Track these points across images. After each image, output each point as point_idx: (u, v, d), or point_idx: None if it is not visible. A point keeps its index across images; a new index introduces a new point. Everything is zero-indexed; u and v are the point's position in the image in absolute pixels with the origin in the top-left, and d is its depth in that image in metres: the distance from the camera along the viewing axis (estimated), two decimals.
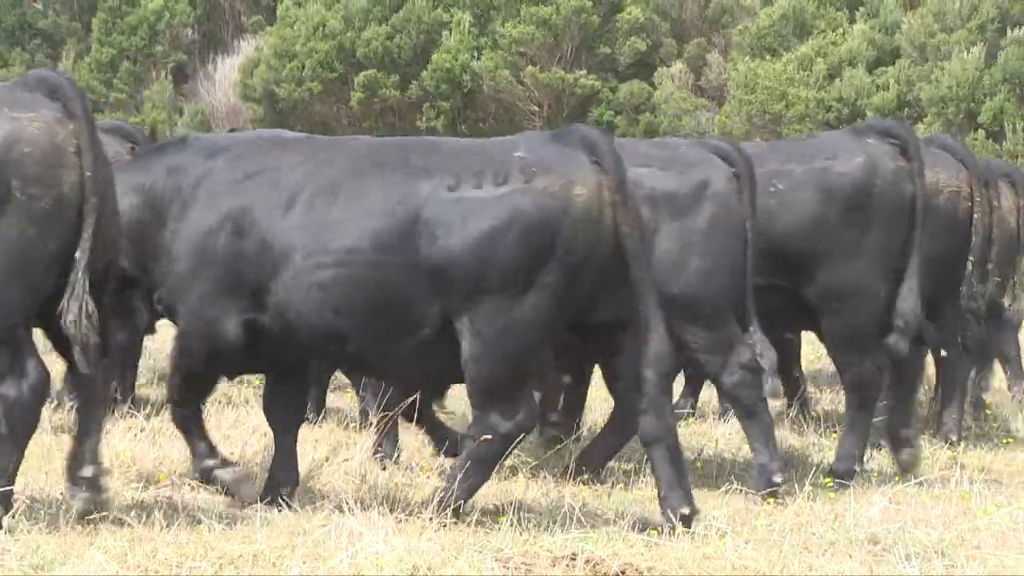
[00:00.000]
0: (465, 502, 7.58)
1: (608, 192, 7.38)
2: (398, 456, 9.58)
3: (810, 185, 9.33)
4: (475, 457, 7.53)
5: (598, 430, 9.77)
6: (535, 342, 7.46)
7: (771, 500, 8.34)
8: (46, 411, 10.15)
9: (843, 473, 9.16)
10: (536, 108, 35.38)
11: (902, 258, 9.29)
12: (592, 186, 7.37)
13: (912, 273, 9.27)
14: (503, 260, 7.30)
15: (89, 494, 7.33)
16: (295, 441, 8.28)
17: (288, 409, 8.29)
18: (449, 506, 7.47)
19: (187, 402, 8.15)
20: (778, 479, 8.68)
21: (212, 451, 8.18)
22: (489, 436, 7.46)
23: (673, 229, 8.74)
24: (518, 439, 7.56)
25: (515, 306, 7.30)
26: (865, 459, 9.83)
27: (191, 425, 8.18)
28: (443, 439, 9.62)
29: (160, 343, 12.42)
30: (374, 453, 9.37)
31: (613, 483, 8.69)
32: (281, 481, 8.10)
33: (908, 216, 9.31)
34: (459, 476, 7.55)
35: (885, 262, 9.28)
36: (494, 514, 7.69)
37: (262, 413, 8.44)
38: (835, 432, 10.63)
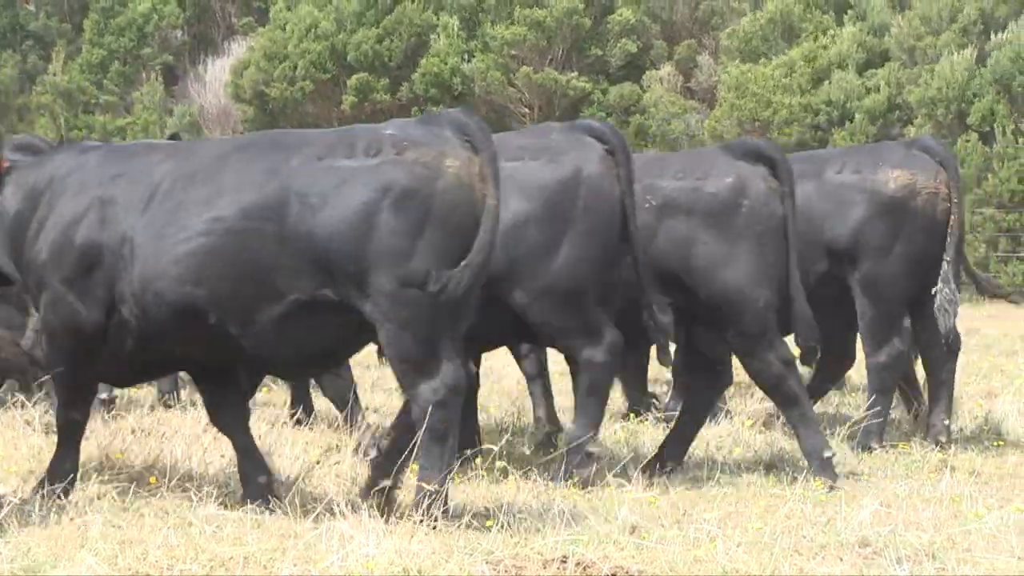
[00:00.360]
0: (444, 483, 7.51)
1: (478, 167, 7.49)
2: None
3: (680, 203, 9.45)
4: (430, 436, 7.48)
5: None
6: (432, 307, 7.39)
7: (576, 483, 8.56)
8: (37, 412, 10.22)
9: (821, 469, 9.19)
10: (527, 110, 35.41)
11: (781, 269, 9.47)
12: (463, 159, 7.49)
13: (796, 289, 9.47)
14: (379, 229, 7.36)
15: None
16: (251, 438, 8.33)
17: (230, 410, 8.35)
18: (436, 501, 7.46)
19: (72, 402, 8.18)
20: (594, 449, 8.88)
21: (74, 466, 8.21)
22: (428, 409, 7.43)
23: (546, 219, 8.84)
24: (457, 399, 7.49)
25: (400, 274, 7.33)
26: (857, 462, 9.88)
27: (70, 432, 8.20)
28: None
29: None
30: (364, 455, 9.37)
31: (603, 485, 8.69)
32: (254, 475, 8.15)
33: (781, 234, 9.46)
34: (426, 464, 7.53)
35: (762, 272, 9.39)
36: (484, 516, 7.69)
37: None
38: (826, 435, 10.63)
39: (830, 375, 12.39)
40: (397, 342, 7.43)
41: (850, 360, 12.37)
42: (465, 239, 7.39)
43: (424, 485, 7.49)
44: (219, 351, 7.92)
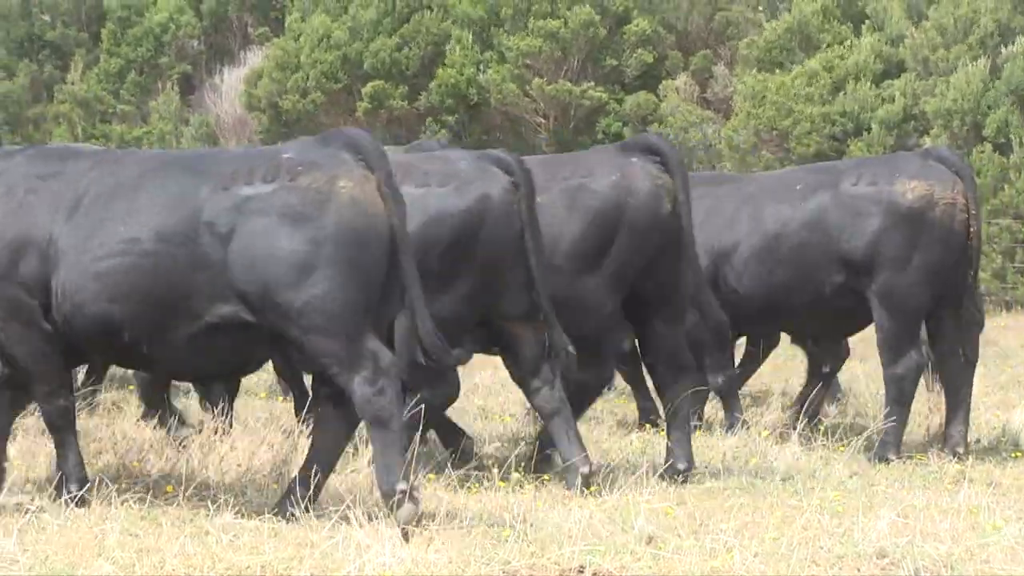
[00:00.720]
0: (408, 474, 7.65)
1: (373, 186, 7.83)
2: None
3: (564, 204, 9.58)
4: (376, 427, 7.69)
5: None
6: (349, 311, 7.70)
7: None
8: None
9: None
10: (542, 120, 35.41)
11: (663, 270, 9.66)
12: (357, 179, 7.82)
13: (699, 286, 9.86)
14: (274, 250, 7.70)
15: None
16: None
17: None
18: (398, 490, 7.57)
19: (50, 396, 8.33)
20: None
21: (79, 459, 8.38)
22: (369, 401, 7.65)
23: (451, 245, 9.01)
24: (394, 384, 7.70)
25: (305, 292, 7.65)
26: (874, 473, 9.86)
27: (62, 422, 8.37)
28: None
29: None
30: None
31: (620, 495, 8.68)
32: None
33: (666, 231, 9.61)
34: (377, 456, 7.73)
35: (619, 276, 9.56)
36: (501, 526, 7.69)
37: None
38: (842, 445, 10.62)
39: (821, 376, 12.39)
40: (320, 349, 7.74)
41: (840, 361, 12.44)
42: (365, 253, 7.74)
43: (383, 480, 7.66)
44: (133, 362, 8.56)
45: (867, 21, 34.10)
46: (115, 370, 12.57)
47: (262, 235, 7.71)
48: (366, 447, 9.98)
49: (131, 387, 12.51)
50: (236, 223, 7.75)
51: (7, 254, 8.11)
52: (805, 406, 11.90)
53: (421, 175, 9.10)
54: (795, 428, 11.01)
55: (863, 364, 13.98)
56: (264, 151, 8.36)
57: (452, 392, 9.53)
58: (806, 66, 32.73)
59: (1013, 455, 10.90)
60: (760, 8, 36.58)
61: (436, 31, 36.21)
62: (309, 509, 7.84)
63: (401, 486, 7.56)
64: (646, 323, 9.85)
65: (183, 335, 7.88)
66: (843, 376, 13.58)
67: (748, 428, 11.30)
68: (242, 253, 7.72)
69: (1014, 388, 15.24)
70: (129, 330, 7.92)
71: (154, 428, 10.58)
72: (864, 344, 12.78)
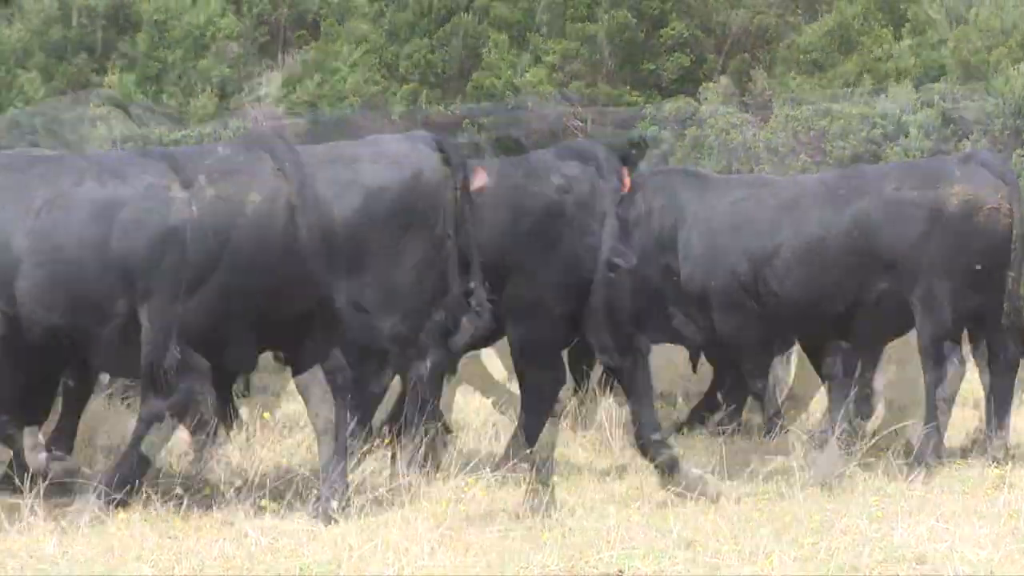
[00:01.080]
0: (127, 488, 7.89)
1: (285, 196, 7.98)
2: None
3: (504, 204, 9.67)
4: (136, 442, 8.00)
5: None
6: (205, 331, 7.90)
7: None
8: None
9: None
10: (580, 123, 35.39)
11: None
12: (269, 190, 7.98)
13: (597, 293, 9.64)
14: (173, 256, 7.84)
15: None
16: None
17: None
18: (107, 492, 7.85)
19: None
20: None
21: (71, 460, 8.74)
22: (151, 423, 7.96)
23: (387, 222, 9.12)
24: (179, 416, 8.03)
25: (190, 296, 7.83)
26: (912, 476, 9.81)
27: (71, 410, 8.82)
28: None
29: None
30: (420, 468, 9.37)
31: (660, 500, 8.67)
32: None
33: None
34: (120, 459, 8.10)
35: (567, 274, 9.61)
36: (539, 530, 7.68)
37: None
38: (881, 451, 10.57)
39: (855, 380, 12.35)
40: (151, 357, 7.89)
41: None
42: (260, 265, 7.91)
43: (113, 472, 8.01)
44: (104, 366, 8.85)
45: (907, 24, 34.01)
46: None
47: (162, 237, 7.86)
48: (402, 449, 10.01)
49: None
50: (142, 225, 7.90)
51: None
52: (843, 410, 11.83)
53: (352, 154, 9.33)
54: (833, 432, 10.95)
55: (902, 368, 13.90)
56: (193, 153, 8.55)
57: (444, 364, 9.50)
58: (842, 69, 32.66)
59: None
60: (798, 11, 36.52)
61: (473, 34, 36.26)
62: None
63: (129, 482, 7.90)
64: None
65: (108, 333, 8.02)
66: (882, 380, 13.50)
67: (786, 432, 11.25)
68: (141, 252, 7.87)
69: None
70: (76, 334, 8.07)
71: (192, 432, 10.61)
72: (904, 348, 12.72)
